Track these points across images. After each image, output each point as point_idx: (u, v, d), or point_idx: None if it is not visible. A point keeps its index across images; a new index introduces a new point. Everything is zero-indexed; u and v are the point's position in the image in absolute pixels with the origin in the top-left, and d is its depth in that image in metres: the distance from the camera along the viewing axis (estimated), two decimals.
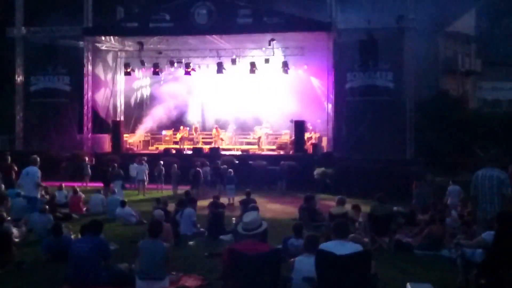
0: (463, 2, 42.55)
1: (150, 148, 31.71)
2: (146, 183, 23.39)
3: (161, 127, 32.42)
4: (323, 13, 26.71)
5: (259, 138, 29.98)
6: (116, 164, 23.21)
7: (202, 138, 32.16)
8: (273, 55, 28.71)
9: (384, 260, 10.01)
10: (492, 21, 42.44)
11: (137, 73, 32.91)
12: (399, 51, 25.95)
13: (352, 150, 25.66)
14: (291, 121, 28.10)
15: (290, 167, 24.75)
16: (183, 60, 30.68)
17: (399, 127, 25.70)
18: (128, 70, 30.98)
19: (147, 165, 23.83)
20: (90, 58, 29.28)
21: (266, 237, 9.11)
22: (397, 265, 10.32)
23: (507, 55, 43.11)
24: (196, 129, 31.99)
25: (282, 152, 28.66)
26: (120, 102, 32.80)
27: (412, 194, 17.89)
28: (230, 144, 31.12)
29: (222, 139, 31.08)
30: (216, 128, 31.20)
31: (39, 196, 14.73)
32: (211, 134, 31.80)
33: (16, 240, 11.86)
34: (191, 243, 12.65)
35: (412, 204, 17.09)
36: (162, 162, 24.52)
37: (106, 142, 30.12)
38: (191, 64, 30.61)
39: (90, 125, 29.25)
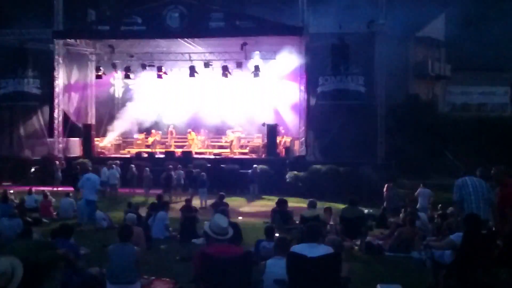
0: (433, 7, 43.10)
1: (121, 151, 31.45)
2: (118, 187, 23.27)
3: (133, 131, 32.20)
4: (296, 17, 26.85)
5: (231, 141, 29.93)
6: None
7: (175, 141, 32.01)
8: (246, 58, 28.74)
9: (355, 262, 10.09)
10: (461, 27, 43.02)
11: (109, 76, 32.64)
12: (370, 56, 26.17)
13: (324, 153, 25.82)
14: (263, 124, 28.15)
15: (262, 171, 24.82)
16: (155, 64, 30.55)
17: (370, 130, 25.92)
18: (100, 73, 30.68)
19: (119, 169, 23.70)
20: (61, 61, 28.95)
21: (239, 240, 9.14)
22: (368, 267, 10.41)
23: (476, 60, 43.75)
24: (171, 132, 31.80)
25: (254, 156, 28.67)
26: (91, 106, 32.45)
27: (383, 197, 18.10)
28: (202, 147, 31.03)
29: (191, 144, 30.92)
30: (189, 131, 31.02)
31: (96, 199, 16.12)
32: (183, 138, 31.62)
33: None
34: (163, 246, 12.62)
35: (382, 206, 17.28)
36: (134, 166, 24.40)
37: (77, 146, 29.82)
38: (163, 68, 30.51)
39: (60, 129, 28.91)
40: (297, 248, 6.40)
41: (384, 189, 18.32)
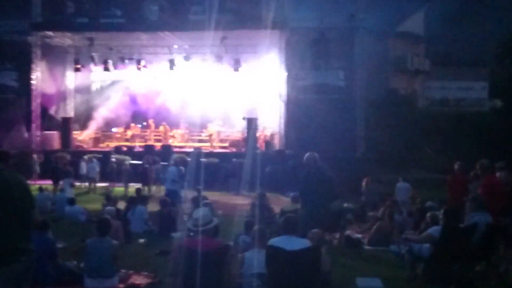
0: (413, 3, 43.40)
1: (100, 145, 31.23)
2: (96, 181, 23.17)
3: (112, 124, 31.97)
4: (276, 11, 26.78)
5: (211, 135, 29.90)
6: (66, 162, 22.94)
7: (154, 135, 31.86)
8: (226, 52, 28.65)
9: (334, 256, 10.11)
10: (440, 22, 43.37)
11: (87, 69, 32.29)
12: (350, 50, 26.29)
13: (304, 147, 25.81)
14: (244, 118, 28.11)
15: (242, 165, 24.77)
16: (135, 57, 30.33)
17: (350, 125, 26.06)
18: (78, 66, 30.37)
19: (98, 163, 23.57)
20: (39, 53, 28.58)
21: (218, 233, 9.11)
22: (347, 261, 10.43)
23: (455, 56, 44.16)
24: (150, 126, 31.67)
25: (234, 150, 28.65)
26: (70, 99, 32.15)
27: (362, 191, 18.17)
28: (182, 141, 30.92)
29: (172, 136, 30.81)
30: (163, 125, 30.87)
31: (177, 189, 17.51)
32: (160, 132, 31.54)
33: None
34: (141, 240, 12.55)
35: (362, 200, 17.35)
36: (113, 160, 24.26)
37: (55, 139, 29.51)
38: (142, 61, 30.29)
39: (38, 122, 28.60)
40: (276, 241, 6.40)
41: (363, 183, 18.40)
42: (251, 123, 27.43)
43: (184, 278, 6.36)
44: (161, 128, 30.87)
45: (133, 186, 20.51)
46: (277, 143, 27.95)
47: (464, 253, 8.22)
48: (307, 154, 10.08)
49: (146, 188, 21.55)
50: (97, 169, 23.30)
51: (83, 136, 30.96)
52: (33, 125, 28.34)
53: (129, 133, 30.98)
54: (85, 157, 24.54)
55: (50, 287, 8.06)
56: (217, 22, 26.38)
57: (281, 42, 26.81)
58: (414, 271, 8.77)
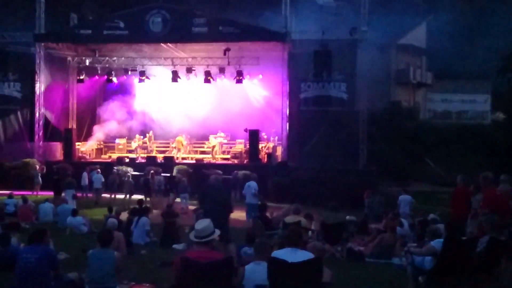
0: (415, 16, 43.52)
1: (103, 156, 31.23)
2: (102, 192, 23.25)
3: (115, 136, 31.97)
4: (279, 23, 26.88)
5: (213, 147, 29.89)
6: (69, 173, 22.96)
7: (156, 146, 31.85)
8: (228, 64, 28.71)
9: (336, 268, 10.08)
10: (442, 35, 43.45)
11: (90, 80, 32.38)
12: (353, 63, 26.25)
13: (306, 159, 25.83)
14: (246, 130, 28.10)
15: (244, 177, 24.74)
16: (138, 68, 30.42)
17: (352, 137, 26.01)
18: (81, 77, 30.54)
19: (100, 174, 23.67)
20: (42, 64, 28.67)
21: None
22: (349, 273, 10.40)
23: (457, 68, 44.20)
24: (150, 138, 31.64)
25: (236, 162, 28.63)
26: (72, 110, 32.20)
27: (364, 203, 18.15)
28: (184, 153, 30.91)
29: (175, 148, 30.76)
30: (181, 135, 30.68)
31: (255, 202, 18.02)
32: (165, 143, 31.47)
33: None
34: (143, 252, 12.53)
35: (364, 213, 17.33)
36: (116, 171, 24.29)
37: (58, 150, 29.56)
38: (145, 72, 30.39)
39: (41, 133, 28.65)
40: (278, 253, 6.40)
41: (365, 196, 18.37)
42: (253, 135, 27.45)
43: None
44: (179, 138, 30.53)
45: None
46: (279, 155, 27.93)
47: (466, 266, 8.19)
48: (212, 176, 12.44)
49: (148, 199, 21.55)
50: (102, 179, 23.35)
51: (85, 147, 30.96)
52: (36, 136, 28.40)
53: (133, 144, 30.91)
54: (94, 168, 24.62)
55: None
56: (220, 34, 26.51)
57: (284, 54, 26.87)
58: (416, 284, 8.74)
